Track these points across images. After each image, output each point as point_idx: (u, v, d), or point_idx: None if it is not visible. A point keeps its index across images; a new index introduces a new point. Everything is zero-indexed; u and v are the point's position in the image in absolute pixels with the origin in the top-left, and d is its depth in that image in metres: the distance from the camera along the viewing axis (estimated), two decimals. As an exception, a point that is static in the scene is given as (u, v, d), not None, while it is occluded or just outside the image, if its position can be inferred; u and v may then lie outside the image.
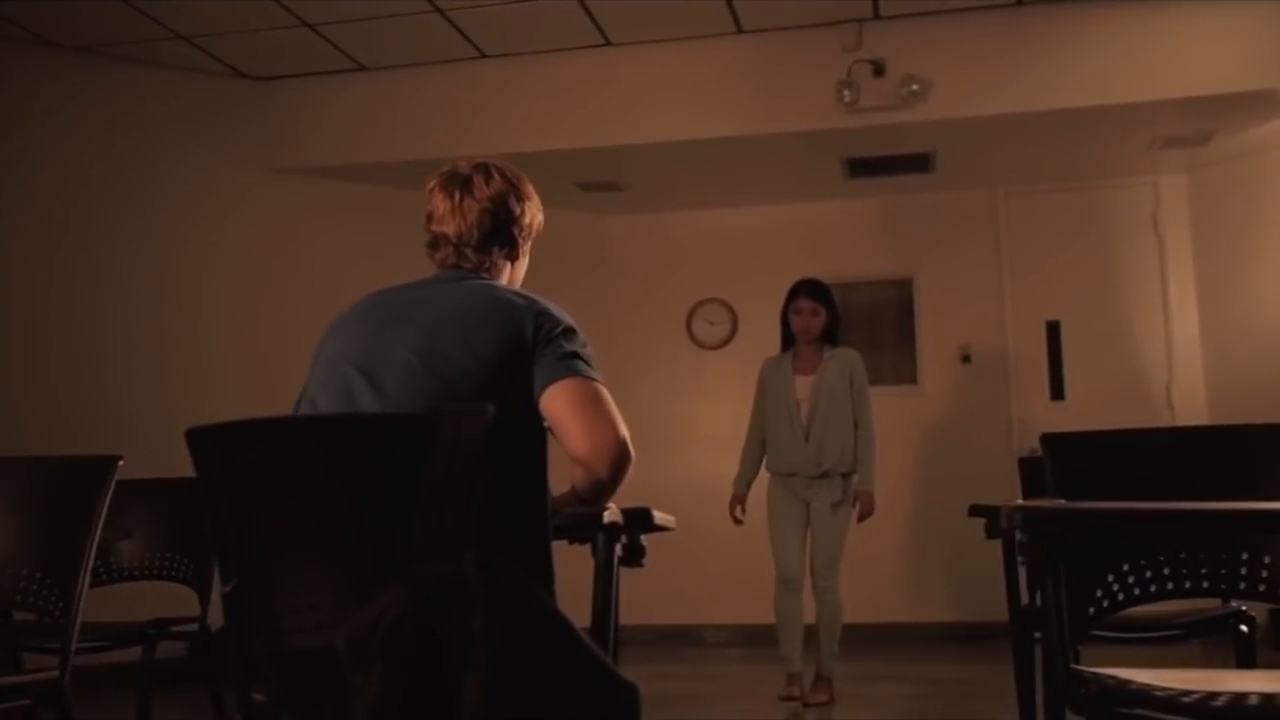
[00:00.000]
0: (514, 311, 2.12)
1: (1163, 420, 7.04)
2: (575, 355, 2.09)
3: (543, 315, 2.13)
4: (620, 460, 2.04)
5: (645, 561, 2.11)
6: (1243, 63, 5.75)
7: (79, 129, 6.12)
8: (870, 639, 6.85)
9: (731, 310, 7.66)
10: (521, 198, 2.34)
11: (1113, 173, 7.16)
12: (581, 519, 2.06)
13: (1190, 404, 7.03)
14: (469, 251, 2.28)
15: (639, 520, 2.07)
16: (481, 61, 6.40)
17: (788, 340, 5.34)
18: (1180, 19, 5.82)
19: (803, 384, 5.19)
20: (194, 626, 3.79)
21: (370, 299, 2.25)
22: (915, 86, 5.92)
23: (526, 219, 2.36)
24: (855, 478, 5.10)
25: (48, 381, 5.85)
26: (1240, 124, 6.25)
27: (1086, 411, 7.13)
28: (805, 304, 5.22)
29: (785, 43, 6.19)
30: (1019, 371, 7.29)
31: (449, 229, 2.29)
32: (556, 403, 2.03)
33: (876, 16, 6.04)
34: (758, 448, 5.31)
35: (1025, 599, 3.38)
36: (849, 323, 6.87)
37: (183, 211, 6.42)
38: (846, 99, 5.98)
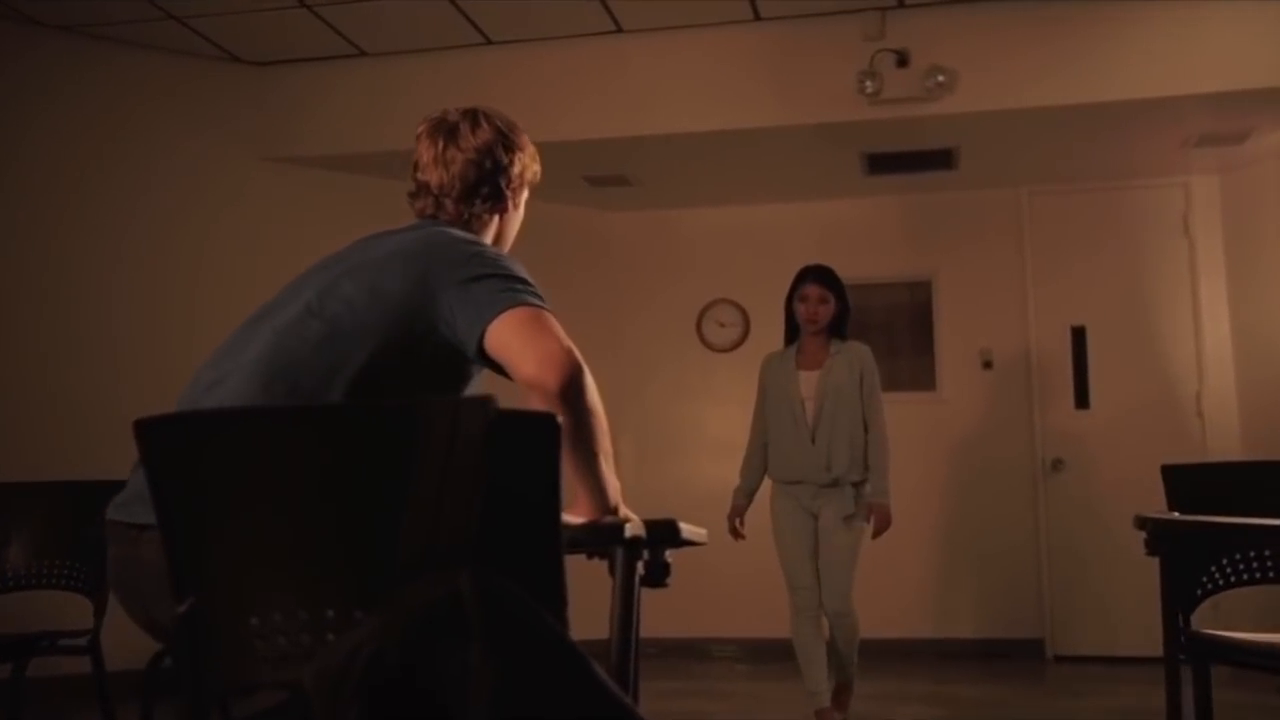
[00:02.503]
0: (442, 248, 1.95)
1: (1192, 430, 6.77)
2: (513, 288, 1.88)
3: (475, 256, 1.93)
4: (569, 367, 1.80)
5: (670, 581, 1.84)
6: (1280, 57, 5.49)
7: (65, 115, 5.85)
8: (887, 656, 6.60)
9: (743, 312, 7.40)
10: (511, 148, 2.19)
11: (1142, 172, 6.89)
12: (598, 532, 1.80)
13: (1221, 413, 6.76)
14: (448, 203, 2.14)
15: (664, 534, 1.79)
16: (487, 48, 6.14)
17: (791, 333, 4.91)
18: (1217, 11, 5.55)
19: (807, 380, 4.75)
20: (84, 640, 3.48)
21: (344, 247, 2.09)
22: (941, 77, 5.65)
23: (515, 170, 2.20)
24: (867, 488, 4.67)
25: (42, 374, 5.63)
26: (1278, 121, 5.98)
27: (1113, 420, 6.86)
28: (812, 290, 4.78)
29: (805, 31, 5.92)
30: (1042, 378, 7.01)
31: (431, 179, 2.15)
32: (499, 336, 1.83)
33: (901, 5, 5.77)
34: (760, 454, 4.88)
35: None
36: (864, 326, 6.62)
37: (177, 202, 6.15)
38: (869, 90, 5.71)
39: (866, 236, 7.21)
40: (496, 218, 2.21)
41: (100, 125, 5.95)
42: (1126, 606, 6.67)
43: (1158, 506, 6.61)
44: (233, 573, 1.42)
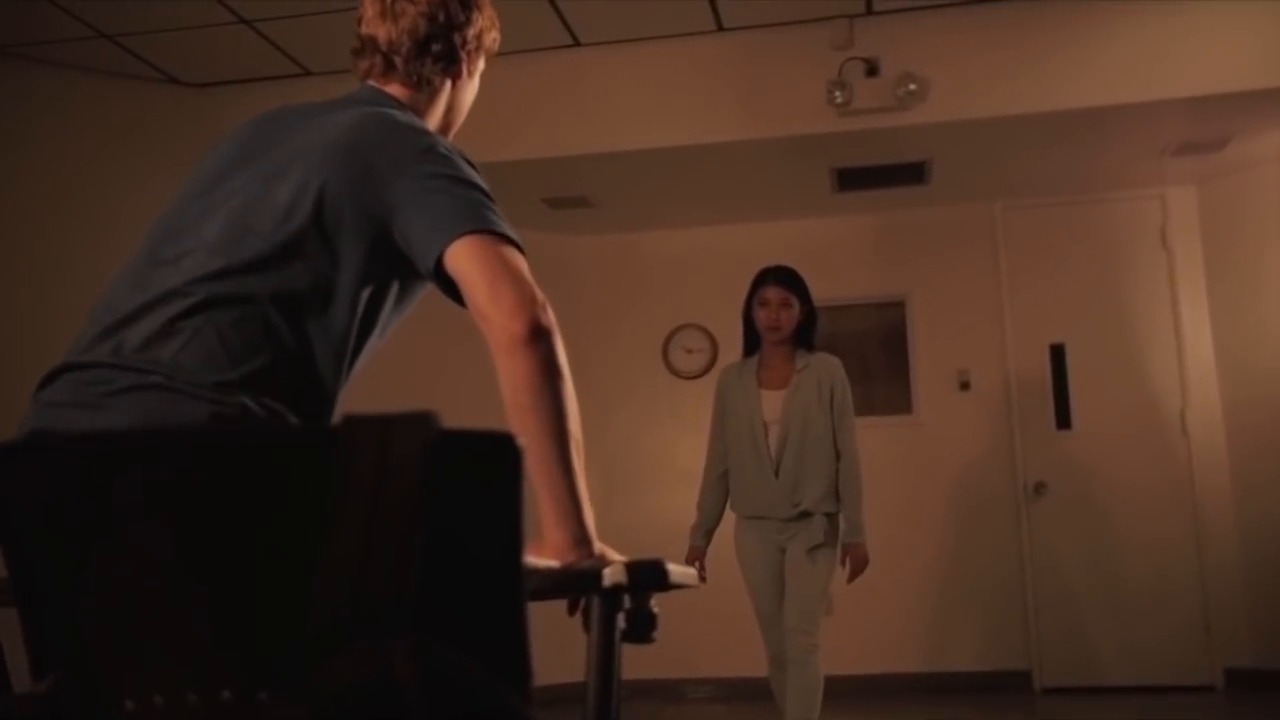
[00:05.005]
0: (390, 138, 1.67)
1: (1178, 449, 6.54)
2: (480, 204, 1.62)
3: (428, 152, 1.65)
4: (542, 312, 1.54)
5: (656, 635, 1.53)
6: (1262, 58, 5.29)
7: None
8: (867, 692, 6.33)
9: (711, 337, 7.13)
10: (469, 5, 1.92)
11: (1117, 184, 6.69)
12: (570, 581, 1.49)
13: (1206, 431, 6.54)
14: (398, 61, 1.86)
15: (649, 577, 1.47)
16: (438, 65, 5.85)
17: (751, 344, 4.37)
18: (1195, 12, 5.36)
19: (771, 401, 4.20)
20: None
21: (259, 120, 1.80)
22: (913, 86, 5.42)
23: (472, 30, 1.93)
24: (840, 520, 4.17)
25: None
26: (1259, 126, 5.79)
27: (1095, 441, 6.63)
28: (773, 293, 4.23)
29: (770, 41, 5.68)
30: (1021, 399, 6.76)
31: (379, 33, 1.87)
32: (460, 261, 1.56)
33: (869, 12, 5.54)
34: (717, 485, 4.32)
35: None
36: (837, 349, 6.26)
37: (110, 232, 5.76)
38: (838, 100, 5.46)
39: (837, 256, 6.94)
40: (449, 84, 1.93)
41: (18, 152, 5.52)
42: (1116, 636, 6.43)
43: (1144, 530, 6.46)
44: (100, 645, 1.10)
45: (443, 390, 5.25)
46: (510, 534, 1.05)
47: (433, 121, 1.92)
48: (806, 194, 6.65)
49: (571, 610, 1.59)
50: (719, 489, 4.34)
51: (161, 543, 1.02)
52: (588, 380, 7.04)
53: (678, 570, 1.53)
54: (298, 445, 1.03)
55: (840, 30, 5.56)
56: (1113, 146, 6.05)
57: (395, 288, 1.72)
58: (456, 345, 5.26)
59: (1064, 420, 6.71)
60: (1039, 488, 6.64)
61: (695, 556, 4.28)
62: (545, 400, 1.52)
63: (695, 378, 7.11)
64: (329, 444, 1.01)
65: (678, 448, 6.97)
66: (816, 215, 6.99)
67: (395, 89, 1.88)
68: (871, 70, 5.53)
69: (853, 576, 4.18)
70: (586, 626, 1.51)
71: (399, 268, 1.67)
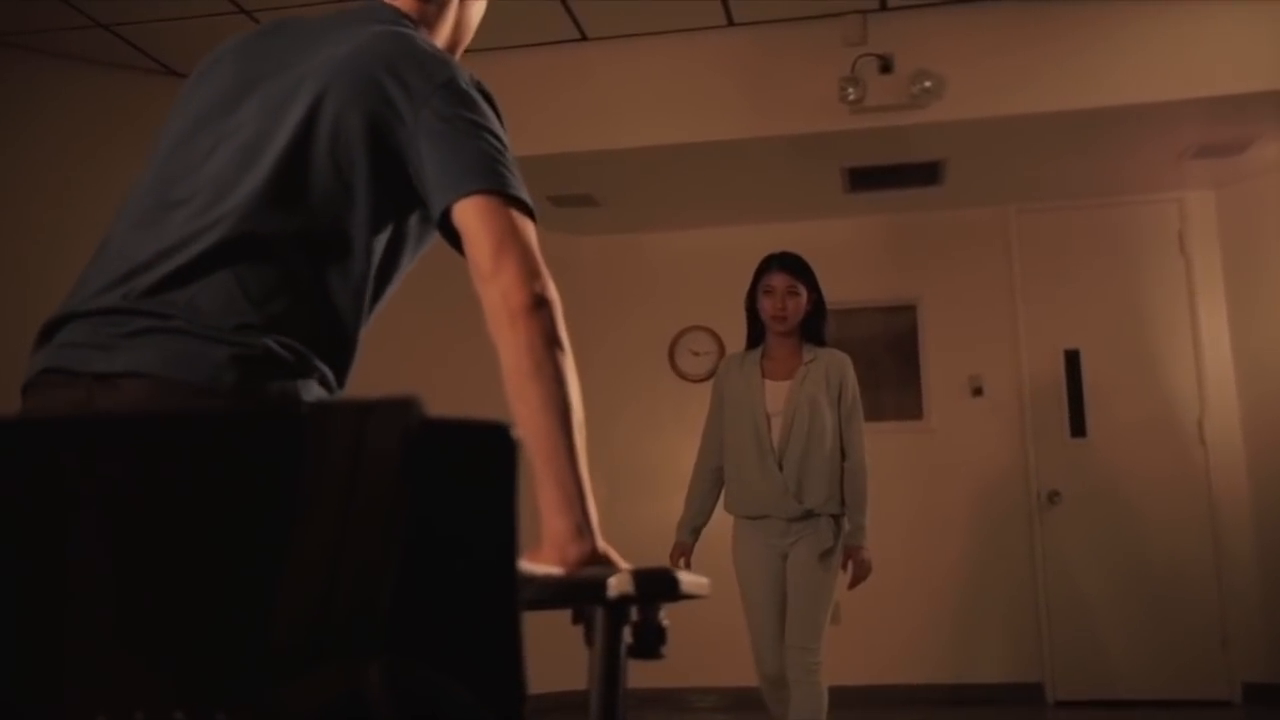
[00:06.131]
0: (404, 66, 1.55)
1: (1195, 457, 6.39)
2: (499, 161, 1.52)
3: (449, 86, 1.54)
4: (546, 284, 1.46)
5: (665, 651, 1.39)
6: (1284, 58, 5.16)
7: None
8: (874, 704, 6.18)
9: (718, 339, 6.99)
10: None
11: (1134, 188, 6.56)
12: (570, 588, 1.35)
13: (1224, 439, 6.39)
14: None
15: (659, 587, 1.34)
16: (442, 59, 5.73)
17: (755, 335, 4.13)
18: (1216, 10, 5.24)
19: (774, 392, 3.94)
20: None
21: (260, 35, 1.70)
22: (928, 83, 5.28)
23: None
24: (845, 523, 3.91)
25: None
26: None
27: (1110, 449, 6.48)
28: (778, 279, 3.99)
29: (782, 37, 5.55)
30: (1035, 406, 6.62)
31: None
32: (468, 216, 1.48)
33: (883, 7, 5.41)
34: (709, 479, 4.07)
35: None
36: (847, 353, 6.20)
37: (109, 224, 5.65)
38: (850, 97, 5.33)
39: (848, 258, 6.80)
40: (457, 1, 1.82)
41: (21, 145, 5.42)
42: (1130, 648, 6.28)
43: (1159, 540, 6.31)
44: (35, 660, 0.97)
45: (442, 381, 5.12)
46: (503, 537, 0.92)
47: (440, 39, 1.81)
48: (817, 194, 6.52)
49: (576, 620, 1.45)
50: (711, 483, 4.09)
51: (101, 543, 0.89)
52: (591, 383, 6.86)
53: (689, 579, 1.40)
54: (258, 435, 0.90)
55: (854, 26, 5.43)
56: (1130, 148, 5.91)
57: (413, 223, 1.62)
58: (463, 341, 5.13)
59: (1079, 428, 6.57)
60: (1053, 496, 6.50)
61: (680, 553, 4.05)
62: (548, 370, 1.42)
63: (702, 381, 6.97)
64: (294, 434, 0.88)
65: (684, 452, 6.78)
66: (827, 216, 6.85)
67: (404, 1, 1.75)
68: (885, 67, 5.40)
69: (855, 582, 3.91)
70: (589, 640, 1.38)
71: (416, 203, 1.58)
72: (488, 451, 0.94)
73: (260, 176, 1.50)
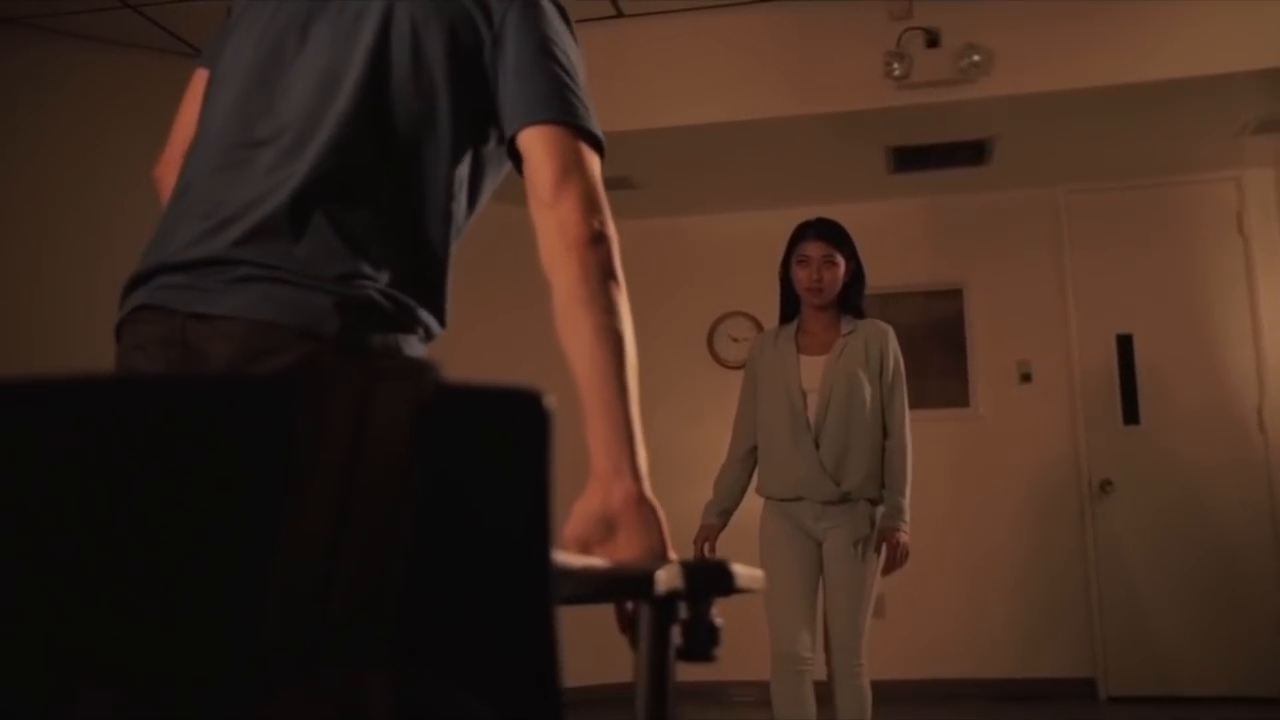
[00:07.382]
0: None
1: (1254, 445, 6.18)
2: (576, 98, 1.49)
3: (530, 5, 1.52)
4: (600, 209, 1.42)
5: (718, 652, 1.25)
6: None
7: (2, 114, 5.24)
8: (920, 699, 6.03)
9: (759, 325, 6.83)
10: None
11: (1190, 166, 6.34)
12: (611, 581, 1.21)
13: (1285, 427, 6.18)
14: None
15: (712, 580, 1.19)
16: (475, 38, 5.60)
17: (790, 308, 3.87)
18: (1279, -21, 5.03)
19: (811, 367, 3.68)
20: None
21: None
22: (976, 57, 5.10)
23: None
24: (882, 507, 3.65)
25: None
26: (1346, 103, 5.43)
27: (1165, 436, 6.28)
28: (814, 248, 3.70)
29: (824, 11, 5.38)
30: (1087, 392, 6.43)
31: None
32: (532, 141, 1.45)
33: (929, -20, 5.24)
34: (743, 461, 3.86)
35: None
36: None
37: (131, 209, 5.55)
38: (896, 73, 5.16)
39: (892, 242, 6.63)
40: None
41: (41, 127, 5.31)
42: (1186, 642, 6.08)
43: (1216, 530, 6.11)
44: (12, 654, 0.84)
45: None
46: (534, 524, 0.77)
47: None
48: (860, 176, 6.35)
49: (623, 628, 1.32)
50: (743, 465, 3.87)
51: (60, 527, 0.75)
52: (629, 370, 6.78)
53: (744, 572, 1.24)
54: (243, 403, 0.76)
55: (898, 0, 5.25)
56: (1186, 125, 5.70)
57: (490, 148, 1.58)
58: (468, 330, 5.02)
59: (1132, 415, 6.37)
60: (1105, 485, 6.31)
61: (706, 536, 3.81)
62: (601, 301, 1.36)
63: (741, 367, 6.79)
64: (288, 401, 0.74)
65: (723, 440, 6.62)
66: (870, 199, 6.68)
67: None
68: (932, 41, 5.23)
69: (889, 568, 3.61)
70: (633, 641, 1.24)
71: (493, 124, 1.54)
72: (516, 424, 0.79)
73: (343, 106, 1.46)
